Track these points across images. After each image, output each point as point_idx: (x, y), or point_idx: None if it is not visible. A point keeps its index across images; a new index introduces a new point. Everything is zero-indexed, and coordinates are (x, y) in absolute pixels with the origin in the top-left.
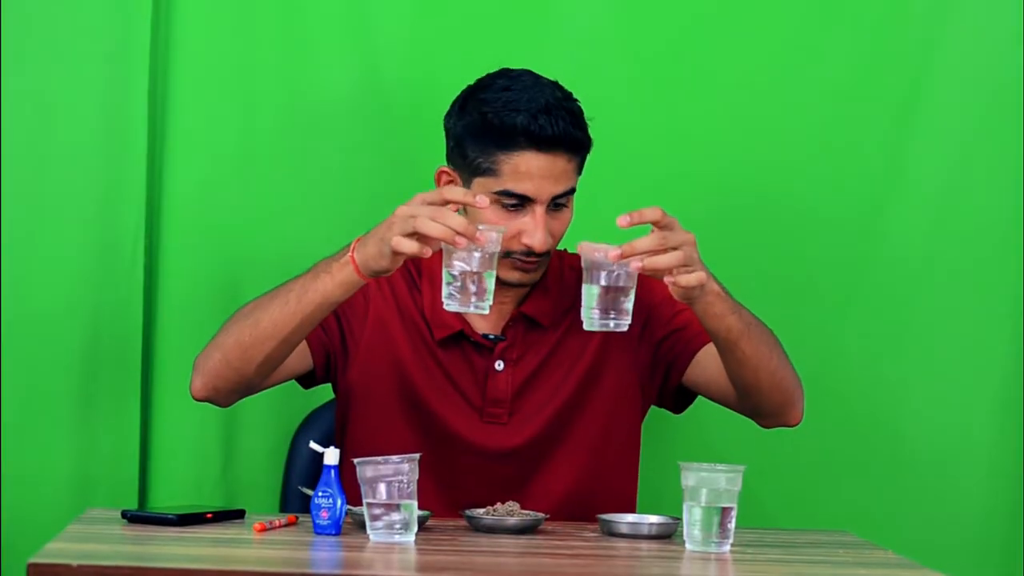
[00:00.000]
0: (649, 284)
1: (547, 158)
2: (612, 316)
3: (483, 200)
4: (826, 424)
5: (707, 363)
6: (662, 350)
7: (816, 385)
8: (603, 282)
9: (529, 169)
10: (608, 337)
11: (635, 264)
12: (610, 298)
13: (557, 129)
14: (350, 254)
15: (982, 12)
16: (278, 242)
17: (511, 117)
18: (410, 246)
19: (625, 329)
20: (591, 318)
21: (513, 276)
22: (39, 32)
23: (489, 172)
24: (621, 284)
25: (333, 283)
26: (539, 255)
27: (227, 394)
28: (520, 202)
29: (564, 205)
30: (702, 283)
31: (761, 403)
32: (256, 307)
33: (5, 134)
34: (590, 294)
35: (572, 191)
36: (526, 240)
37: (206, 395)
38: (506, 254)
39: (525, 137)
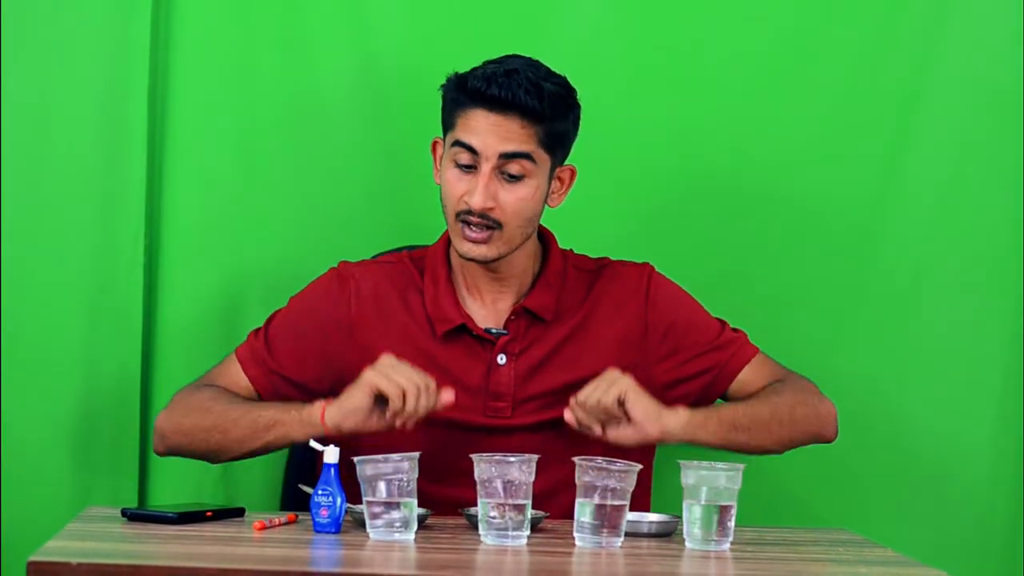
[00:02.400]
0: (676, 301)
1: (497, 117)
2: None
3: (448, 396)
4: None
5: (743, 388)
6: (694, 369)
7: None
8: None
9: (478, 124)
10: (619, 344)
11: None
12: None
13: (506, 92)
14: (321, 410)
15: (982, 12)
16: (278, 242)
17: (472, 79)
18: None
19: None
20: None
21: (462, 246)
22: (39, 32)
23: (450, 127)
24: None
25: (298, 425)
26: (480, 217)
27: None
28: (471, 159)
29: (518, 177)
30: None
31: (787, 449)
32: (228, 416)
33: (5, 134)
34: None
35: (526, 156)
36: (466, 197)
37: (166, 455)
38: (458, 217)
39: (475, 95)
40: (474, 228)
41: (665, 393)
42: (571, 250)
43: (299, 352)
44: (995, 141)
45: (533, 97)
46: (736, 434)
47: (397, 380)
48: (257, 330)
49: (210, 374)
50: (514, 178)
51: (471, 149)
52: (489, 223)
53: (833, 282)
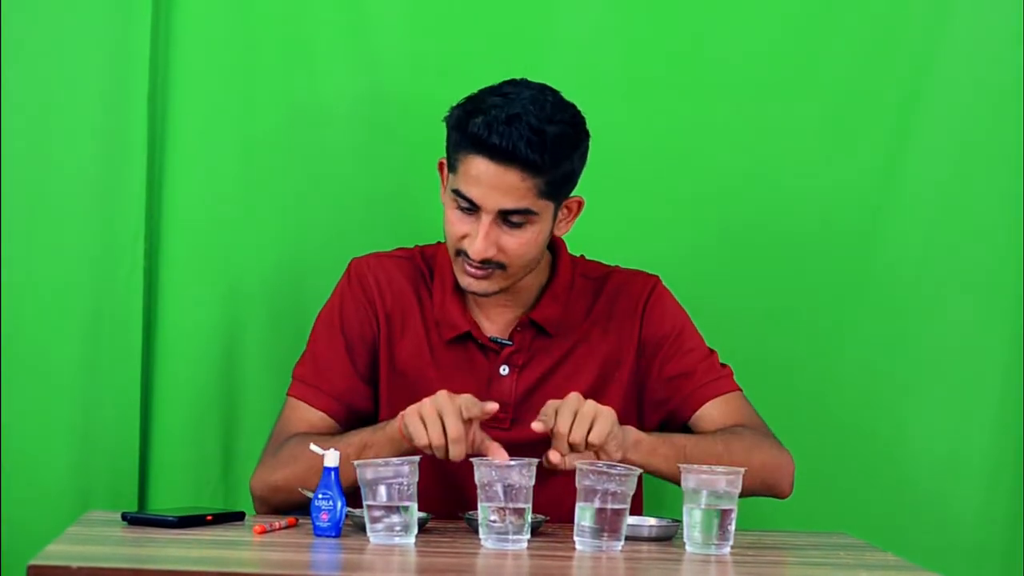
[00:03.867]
0: (669, 317)
1: (497, 169)
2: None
3: (492, 406)
4: (826, 427)
5: (705, 419)
6: (669, 390)
7: (816, 387)
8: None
9: (479, 175)
10: (616, 354)
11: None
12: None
13: (507, 143)
14: (398, 424)
15: (982, 12)
16: (278, 246)
17: (474, 121)
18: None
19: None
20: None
21: (463, 280)
22: (39, 32)
23: (453, 168)
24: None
25: (387, 443)
26: (481, 263)
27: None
28: (470, 205)
29: (520, 225)
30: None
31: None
32: (314, 458)
33: (5, 134)
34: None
35: (528, 212)
36: (466, 244)
37: (275, 514)
38: (457, 253)
39: (476, 142)
40: (474, 267)
41: (647, 412)
42: (582, 256)
43: (352, 363)
44: (995, 142)
45: (535, 150)
46: (671, 466)
47: (426, 430)
48: (300, 365)
49: (278, 428)
50: (516, 225)
51: (471, 203)
52: (490, 266)
53: (833, 283)
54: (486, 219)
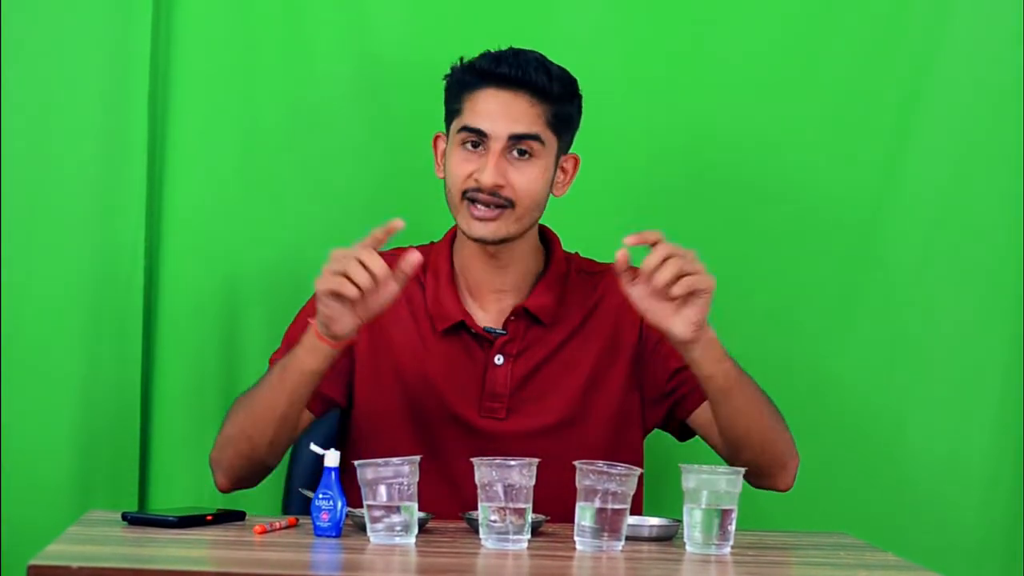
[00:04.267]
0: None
1: (506, 95)
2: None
3: (397, 222)
4: (826, 426)
5: (707, 414)
6: (673, 382)
7: (816, 387)
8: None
9: (487, 105)
10: (614, 348)
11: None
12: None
13: (515, 70)
14: (312, 326)
15: (982, 12)
16: (279, 242)
17: (480, 60)
18: (336, 282)
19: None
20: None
21: (470, 226)
22: (39, 32)
23: (455, 113)
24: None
25: (303, 352)
26: (491, 195)
27: (251, 479)
28: (479, 139)
29: (528, 154)
30: (711, 287)
31: (752, 461)
32: (248, 396)
33: (5, 134)
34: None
35: (534, 137)
36: (475, 175)
37: (231, 487)
38: (463, 196)
39: (483, 75)
40: (482, 207)
41: (648, 408)
42: (577, 253)
43: None
44: (995, 142)
45: (542, 75)
46: (740, 389)
47: (334, 271)
48: (276, 353)
49: None
50: (523, 154)
51: (480, 132)
52: (500, 201)
53: (833, 282)
54: (495, 146)
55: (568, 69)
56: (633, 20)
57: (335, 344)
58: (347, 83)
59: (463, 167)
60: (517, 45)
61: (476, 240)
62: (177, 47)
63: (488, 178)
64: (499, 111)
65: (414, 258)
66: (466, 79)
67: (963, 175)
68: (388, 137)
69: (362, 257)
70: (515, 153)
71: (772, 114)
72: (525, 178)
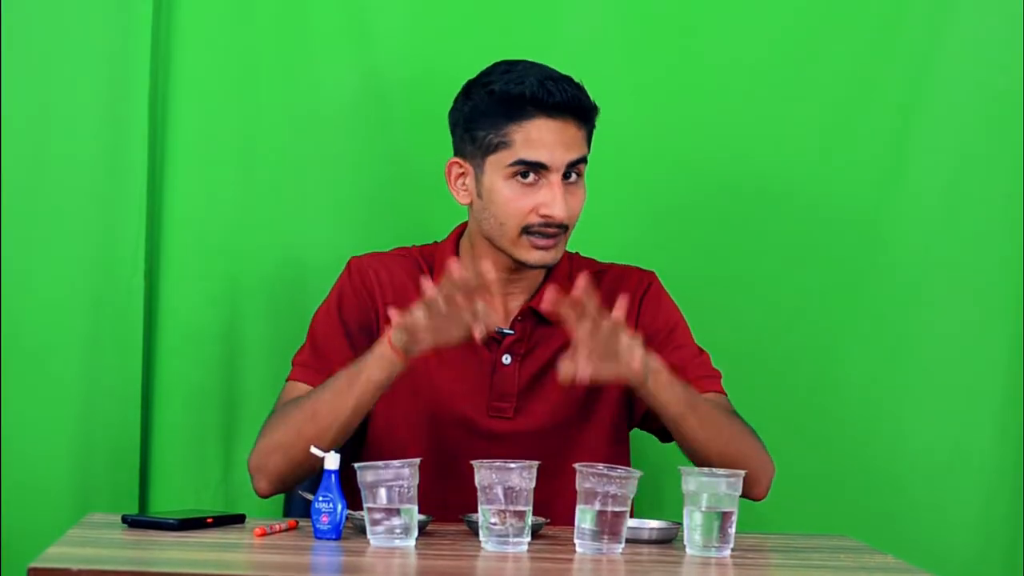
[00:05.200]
0: (663, 313)
1: (558, 124)
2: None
3: (489, 269)
4: (827, 429)
5: None
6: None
7: (816, 389)
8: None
9: (541, 136)
10: None
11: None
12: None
13: (565, 95)
14: (387, 338)
15: (982, 12)
16: (279, 247)
17: (519, 87)
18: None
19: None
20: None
21: (532, 256)
22: (39, 33)
23: (502, 146)
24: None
25: (374, 362)
26: (558, 227)
27: (292, 484)
28: (535, 172)
29: (576, 178)
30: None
31: None
32: (306, 404)
33: (5, 134)
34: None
35: (584, 161)
36: (544, 211)
37: (272, 492)
38: (523, 231)
39: (535, 104)
40: (545, 238)
41: (637, 404)
42: (577, 253)
43: (351, 346)
44: (996, 146)
45: (584, 96)
46: (691, 413)
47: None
48: (299, 353)
49: (275, 408)
50: (574, 178)
51: (539, 165)
52: (560, 231)
53: (834, 286)
54: (556, 178)
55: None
56: (633, 27)
57: (407, 359)
58: (348, 88)
59: (522, 202)
60: (520, 55)
61: (538, 267)
62: (177, 48)
63: (561, 213)
64: (556, 140)
65: (453, 268)
66: (511, 110)
67: (964, 178)
68: (389, 143)
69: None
70: (570, 177)
71: (773, 117)
72: (578, 200)
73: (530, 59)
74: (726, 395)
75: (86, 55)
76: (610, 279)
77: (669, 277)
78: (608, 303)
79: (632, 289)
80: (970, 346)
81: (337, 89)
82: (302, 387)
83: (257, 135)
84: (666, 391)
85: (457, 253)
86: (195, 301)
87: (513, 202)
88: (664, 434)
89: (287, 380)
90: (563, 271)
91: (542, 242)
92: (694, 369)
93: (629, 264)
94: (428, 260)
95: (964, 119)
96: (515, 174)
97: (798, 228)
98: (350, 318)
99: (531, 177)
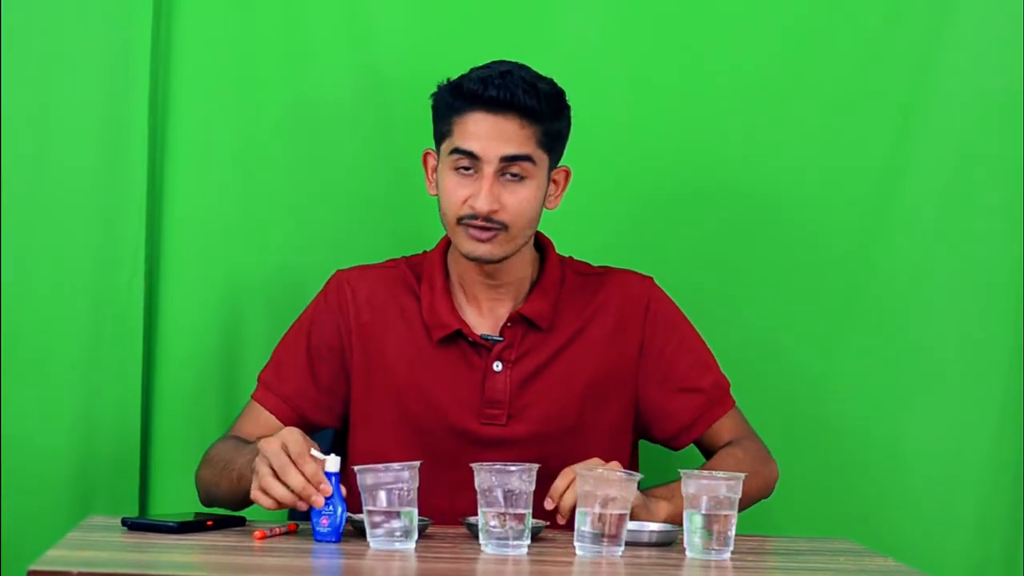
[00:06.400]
0: (674, 326)
1: (496, 119)
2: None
3: (334, 461)
4: (826, 431)
5: (714, 436)
6: (675, 402)
7: (816, 391)
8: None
9: (477, 128)
10: (616, 352)
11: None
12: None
13: (504, 93)
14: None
15: (982, 13)
16: (279, 249)
17: (465, 83)
18: (265, 501)
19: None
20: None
21: (466, 246)
22: (39, 34)
23: (447, 135)
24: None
25: (250, 473)
26: (487, 220)
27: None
28: (470, 163)
29: (520, 176)
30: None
31: None
32: (221, 467)
33: (5, 134)
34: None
35: (526, 158)
36: (471, 201)
37: (213, 507)
38: (459, 221)
39: (473, 97)
40: (478, 230)
41: (650, 423)
42: (571, 257)
43: (311, 370)
44: (995, 150)
45: (531, 96)
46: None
47: (266, 490)
48: (265, 368)
49: (235, 423)
50: (515, 177)
51: (471, 155)
52: (494, 225)
53: (832, 286)
54: (488, 170)
55: (561, 79)
56: (632, 28)
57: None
58: (347, 90)
59: (458, 192)
60: (516, 56)
61: (474, 260)
62: (177, 47)
63: (483, 204)
64: (489, 133)
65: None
66: (454, 103)
67: (963, 181)
68: (388, 145)
69: (303, 469)
70: (508, 175)
71: (771, 118)
72: (518, 200)
73: (529, 59)
74: (736, 406)
75: (86, 55)
76: (608, 285)
77: (667, 277)
78: (608, 308)
79: (634, 301)
80: (970, 347)
81: (337, 90)
82: (256, 409)
83: (257, 136)
84: (669, 502)
85: (445, 263)
86: (195, 302)
87: (451, 192)
88: (674, 444)
89: (251, 397)
90: (554, 276)
91: (475, 233)
92: (705, 394)
93: (624, 268)
94: (415, 269)
95: (964, 119)
96: (456, 165)
97: (798, 228)
98: (318, 338)
99: (469, 170)
